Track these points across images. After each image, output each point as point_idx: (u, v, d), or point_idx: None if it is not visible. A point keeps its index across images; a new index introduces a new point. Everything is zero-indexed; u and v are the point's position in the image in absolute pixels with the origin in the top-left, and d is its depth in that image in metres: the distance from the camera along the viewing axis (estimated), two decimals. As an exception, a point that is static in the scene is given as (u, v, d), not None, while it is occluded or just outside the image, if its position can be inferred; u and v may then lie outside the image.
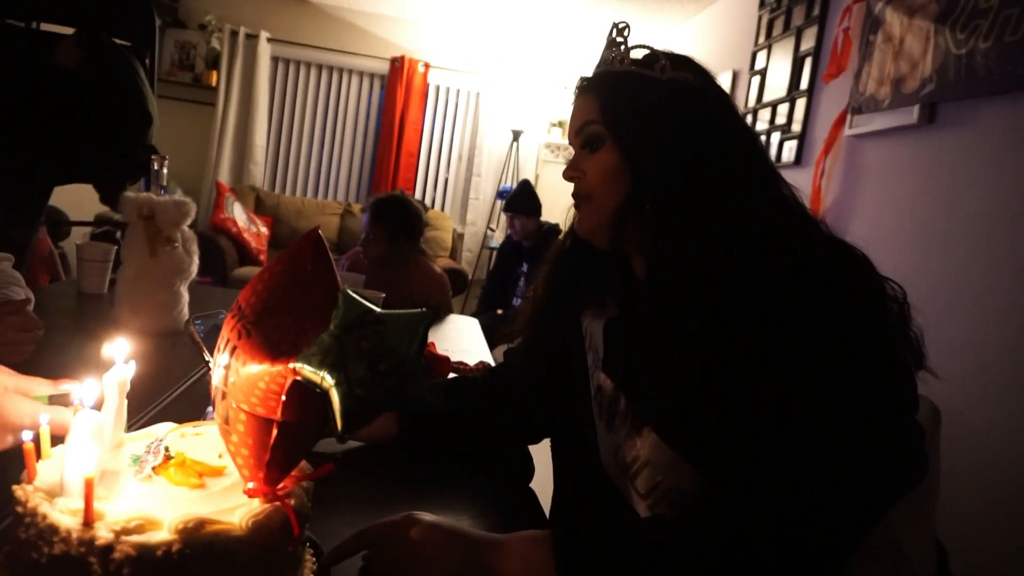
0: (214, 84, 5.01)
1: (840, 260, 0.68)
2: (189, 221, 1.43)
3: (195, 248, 1.46)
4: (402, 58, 5.16)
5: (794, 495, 0.60)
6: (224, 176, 5.05)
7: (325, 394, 0.47)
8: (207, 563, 0.46)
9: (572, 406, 0.90)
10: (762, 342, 0.65)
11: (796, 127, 2.85)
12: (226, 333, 0.54)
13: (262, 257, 4.65)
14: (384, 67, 5.24)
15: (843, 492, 0.60)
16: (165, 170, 1.44)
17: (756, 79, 3.28)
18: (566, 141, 5.36)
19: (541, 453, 1.04)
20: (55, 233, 3.17)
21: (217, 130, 5.05)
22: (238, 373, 0.51)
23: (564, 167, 0.87)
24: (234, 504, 0.50)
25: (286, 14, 5.14)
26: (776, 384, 0.63)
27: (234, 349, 0.51)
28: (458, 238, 5.25)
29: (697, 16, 4.29)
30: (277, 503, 0.51)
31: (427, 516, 0.68)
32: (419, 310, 0.50)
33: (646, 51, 0.83)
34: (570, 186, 0.88)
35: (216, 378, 0.54)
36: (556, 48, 5.25)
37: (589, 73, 0.88)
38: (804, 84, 2.83)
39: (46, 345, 1.20)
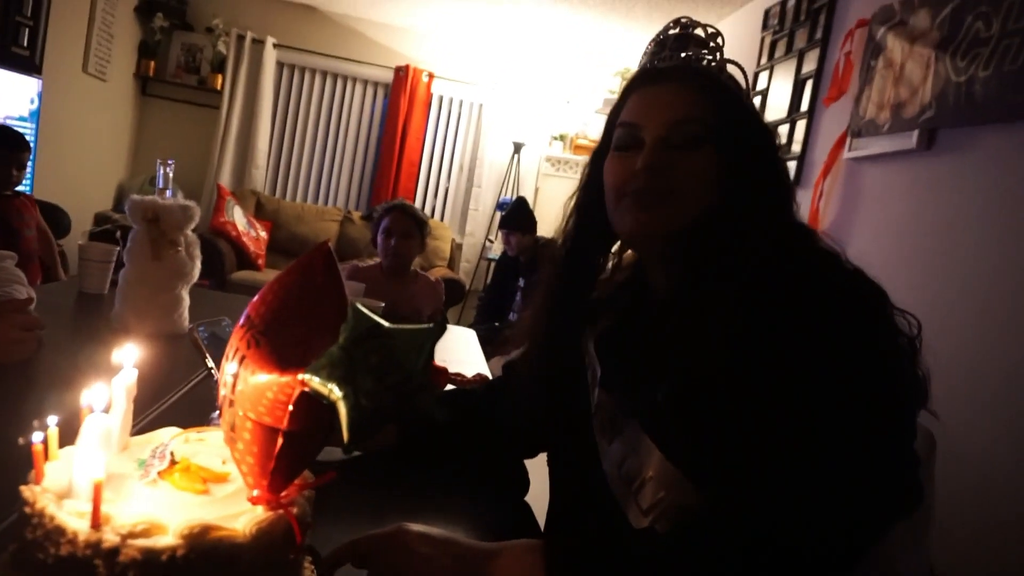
0: (219, 87, 5.03)
1: (858, 293, 0.68)
2: (193, 225, 1.44)
3: (198, 252, 1.47)
4: (406, 67, 5.19)
5: (789, 518, 0.61)
6: (225, 179, 5.06)
7: (332, 406, 0.47)
8: (210, 568, 0.46)
9: (572, 422, 0.89)
10: (774, 368, 0.65)
11: (796, 147, 2.87)
12: (235, 342, 0.54)
13: (260, 261, 4.65)
14: (388, 76, 5.27)
15: (838, 517, 0.61)
16: (171, 173, 1.45)
17: (757, 99, 3.31)
18: (568, 155, 5.37)
19: (537, 466, 1.04)
20: (56, 231, 3.18)
21: (220, 133, 5.07)
22: (246, 382, 0.51)
23: (638, 159, 0.79)
24: (238, 511, 0.51)
25: (293, 20, 5.17)
26: (780, 410, 0.64)
27: (243, 358, 0.52)
28: (457, 248, 5.26)
29: (700, 35, 4.32)
30: (280, 511, 0.52)
31: (417, 527, 0.68)
32: (427, 325, 0.50)
33: (732, 62, 0.84)
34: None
35: (224, 386, 0.55)
36: (559, 62, 5.29)
37: (635, 69, 0.87)
38: (805, 106, 2.85)
39: (47, 344, 1.20)
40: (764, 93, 3.25)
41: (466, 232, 5.44)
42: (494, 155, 5.41)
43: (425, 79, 5.24)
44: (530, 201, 4.77)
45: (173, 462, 0.55)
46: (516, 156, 5.25)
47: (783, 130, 3.00)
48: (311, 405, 0.49)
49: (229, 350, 0.56)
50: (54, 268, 3.03)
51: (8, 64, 3.41)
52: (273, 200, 5.08)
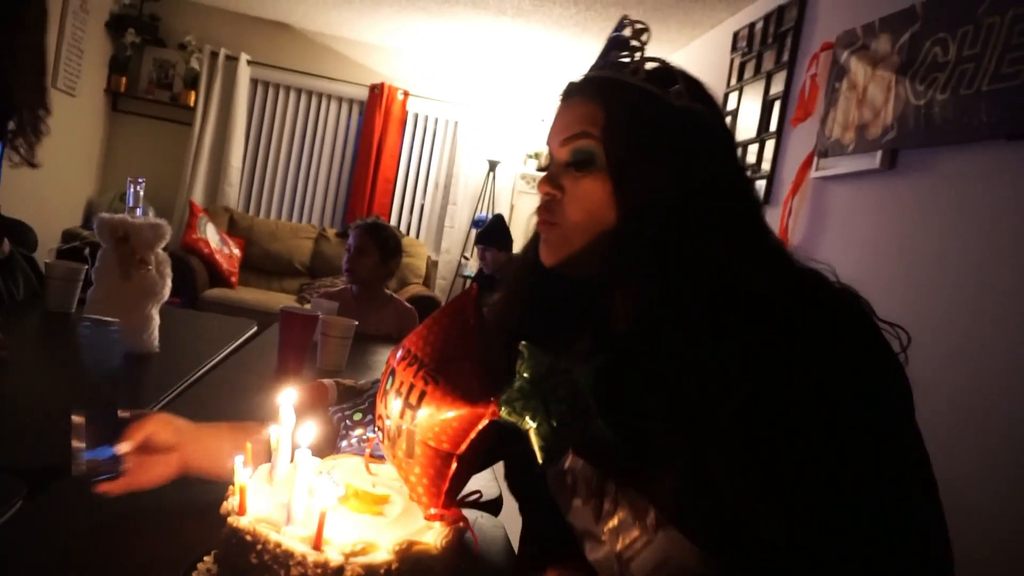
0: (192, 104, 4.99)
1: (852, 320, 0.65)
2: (164, 243, 1.43)
3: (168, 271, 1.46)
4: (381, 85, 5.20)
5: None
6: (198, 196, 5.02)
7: (525, 434, 0.56)
8: None
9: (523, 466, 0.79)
10: (789, 429, 0.58)
11: (766, 166, 2.93)
12: (406, 378, 0.63)
13: (233, 279, 4.60)
14: (363, 93, 5.27)
15: None
16: (141, 191, 1.44)
17: (728, 120, 3.38)
18: (543, 173, 5.47)
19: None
20: (22, 248, 3.11)
21: (193, 150, 5.02)
22: (430, 414, 0.60)
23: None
24: (416, 527, 0.59)
25: (267, 37, 5.16)
26: (805, 473, 0.57)
27: (423, 394, 0.61)
28: (432, 265, 5.26)
29: (672, 56, 4.39)
30: (458, 524, 0.60)
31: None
32: (597, 357, 0.59)
33: (657, 64, 0.73)
34: None
35: (391, 418, 0.64)
36: (534, 81, 5.34)
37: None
38: (773, 126, 2.92)
39: (10, 364, 1.18)
40: (734, 113, 3.32)
41: (442, 249, 5.44)
42: (469, 172, 5.44)
43: (400, 97, 5.26)
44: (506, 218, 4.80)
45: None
46: (491, 174, 5.28)
47: (753, 149, 3.07)
48: (488, 432, 0.59)
49: (393, 383, 0.64)
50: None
51: (-25, 79, 3.35)
52: (247, 217, 5.04)
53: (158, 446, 0.76)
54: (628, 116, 0.69)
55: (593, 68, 0.76)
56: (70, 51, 4.23)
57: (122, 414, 0.76)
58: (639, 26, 0.74)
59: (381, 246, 2.43)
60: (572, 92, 0.76)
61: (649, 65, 0.73)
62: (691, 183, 0.67)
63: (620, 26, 0.75)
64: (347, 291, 2.47)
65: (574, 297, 0.78)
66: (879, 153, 2.14)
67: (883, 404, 0.61)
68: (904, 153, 2.09)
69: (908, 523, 0.58)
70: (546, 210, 0.73)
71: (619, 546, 0.66)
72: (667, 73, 0.72)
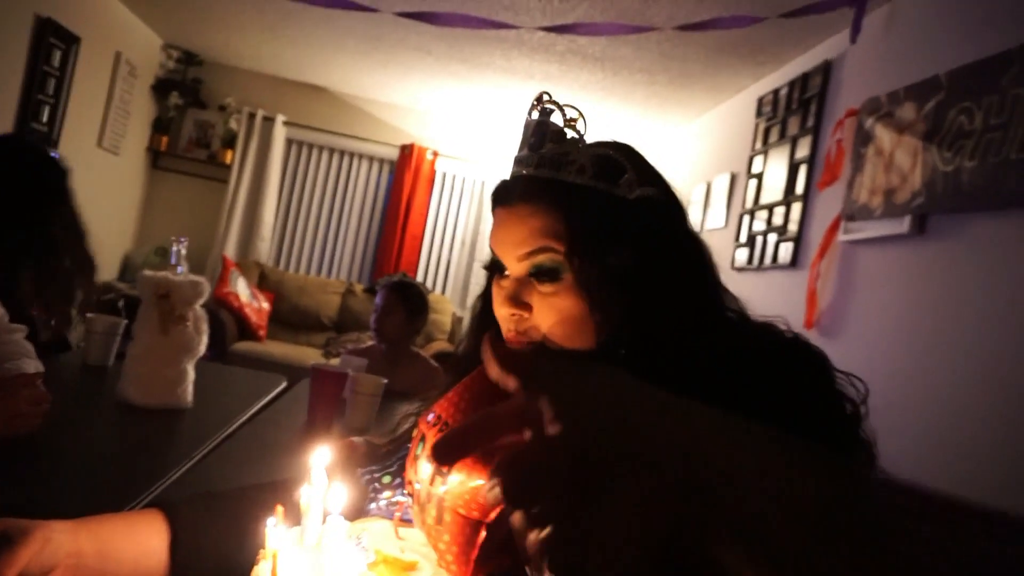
0: (228, 162, 5.17)
1: (796, 365, 0.65)
2: (203, 301, 1.47)
3: (205, 327, 1.50)
4: (411, 145, 5.35)
5: None
6: (231, 250, 5.14)
7: None
8: None
9: None
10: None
11: (792, 228, 2.94)
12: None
13: (262, 332, 4.67)
14: (394, 153, 5.42)
15: None
16: (184, 250, 1.49)
17: (753, 182, 3.41)
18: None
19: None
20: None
21: (228, 206, 5.17)
22: (460, 481, 0.60)
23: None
24: None
25: (303, 99, 5.36)
26: None
27: None
28: (457, 322, 5.29)
29: (697, 119, 4.49)
30: None
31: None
32: None
33: (599, 152, 0.69)
34: None
35: (420, 483, 0.64)
36: (560, 142, 5.45)
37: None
38: (800, 189, 2.94)
39: (50, 417, 1.21)
40: (760, 176, 3.35)
41: (467, 306, 5.48)
42: (495, 230, 5.51)
43: (429, 156, 5.39)
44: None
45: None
46: (517, 232, 5.34)
47: (779, 212, 3.08)
48: None
49: (425, 450, 0.64)
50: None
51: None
52: (277, 271, 5.14)
53: (32, 572, 0.59)
54: (591, 227, 0.66)
55: (527, 163, 0.71)
56: (117, 113, 4.42)
57: None
58: (571, 113, 0.70)
59: (408, 305, 2.46)
60: (515, 196, 0.71)
61: (590, 153, 0.68)
62: (657, 274, 0.66)
63: (545, 110, 0.70)
64: (375, 348, 2.50)
65: None
66: (907, 218, 2.14)
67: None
68: (934, 218, 2.09)
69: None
70: (519, 332, 0.69)
71: None
72: (612, 163, 0.68)
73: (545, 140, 0.70)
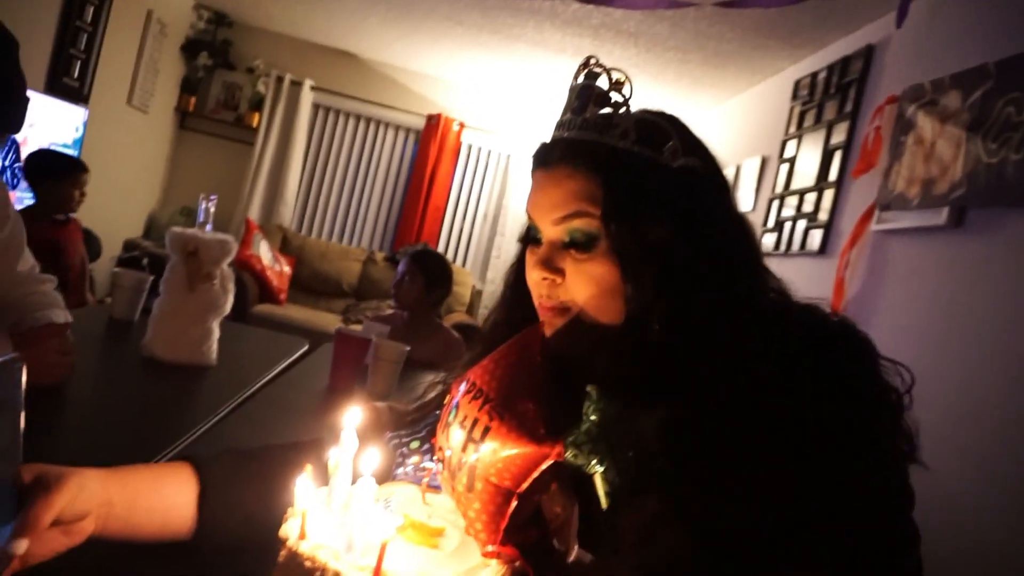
0: (255, 125, 5.16)
1: (838, 350, 0.62)
2: (230, 259, 1.47)
3: (231, 286, 1.50)
4: (438, 116, 5.31)
5: None
6: (254, 213, 5.16)
7: (589, 477, 0.55)
8: None
9: None
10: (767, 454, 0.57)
11: (823, 215, 2.88)
12: (470, 412, 0.62)
13: (282, 296, 4.70)
14: (420, 123, 5.39)
15: None
16: (212, 208, 1.49)
17: (785, 166, 3.34)
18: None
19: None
20: (87, 255, 3.24)
21: (253, 169, 5.18)
22: (493, 450, 0.59)
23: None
24: (472, 563, 0.58)
25: (332, 65, 5.33)
26: (772, 486, 0.56)
27: (487, 429, 0.59)
28: (476, 295, 5.29)
29: (728, 101, 4.40)
30: (514, 563, 0.58)
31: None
32: (660, 408, 0.57)
33: (645, 117, 0.67)
34: None
35: (452, 450, 0.63)
36: (588, 119, 5.39)
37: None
38: (833, 176, 2.88)
39: (76, 369, 1.22)
40: (792, 161, 3.29)
41: (487, 279, 5.47)
42: (519, 205, 5.48)
43: (456, 128, 5.36)
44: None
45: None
46: (540, 208, 5.31)
47: (810, 198, 3.02)
48: (550, 472, 0.57)
49: (455, 416, 0.63)
50: (83, 292, 3.08)
51: (58, 93, 3.53)
52: (299, 237, 5.16)
53: (66, 518, 0.59)
54: (630, 193, 0.64)
55: (569, 126, 0.68)
56: (147, 71, 4.43)
57: (25, 477, 0.58)
58: (617, 76, 0.67)
59: (427, 274, 2.46)
60: (554, 158, 0.68)
61: (635, 118, 0.66)
62: (695, 248, 0.64)
63: (591, 74, 0.68)
64: (398, 316, 2.50)
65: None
66: (946, 210, 2.09)
67: (870, 450, 0.59)
68: (973, 211, 2.04)
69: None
70: (550, 298, 0.68)
71: None
72: (657, 129, 0.66)
73: (589, 104, 0.68)
